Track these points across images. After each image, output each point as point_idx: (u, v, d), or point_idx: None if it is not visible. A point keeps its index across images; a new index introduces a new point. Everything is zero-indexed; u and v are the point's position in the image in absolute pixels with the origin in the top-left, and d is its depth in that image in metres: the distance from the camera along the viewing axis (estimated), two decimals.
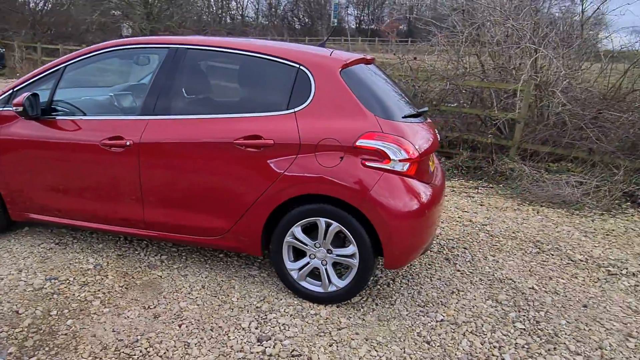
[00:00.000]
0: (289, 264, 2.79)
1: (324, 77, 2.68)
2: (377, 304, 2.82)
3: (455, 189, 5.40)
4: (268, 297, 2.80)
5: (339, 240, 2.70)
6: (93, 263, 3.10)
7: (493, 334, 2.59)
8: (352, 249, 2.64)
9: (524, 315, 2.79)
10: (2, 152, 3.11)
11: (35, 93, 2.95)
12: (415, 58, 7.83)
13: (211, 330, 2.46)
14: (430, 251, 3.62)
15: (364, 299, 2.86)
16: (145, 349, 2.29)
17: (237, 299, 2.77)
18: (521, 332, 2.62)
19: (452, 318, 2.71)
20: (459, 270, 3.33)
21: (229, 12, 53.88)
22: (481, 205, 4.84)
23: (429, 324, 2.64)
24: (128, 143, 2.82)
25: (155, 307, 2.64)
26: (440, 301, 2.89)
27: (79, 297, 2.70)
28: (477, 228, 4.17)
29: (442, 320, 2.69)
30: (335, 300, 2.76)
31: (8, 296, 2.67)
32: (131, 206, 2.95)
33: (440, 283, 3.13)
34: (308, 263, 2.76)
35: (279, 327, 2.52)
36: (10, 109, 3.02)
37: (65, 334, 2.37)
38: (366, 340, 2.46)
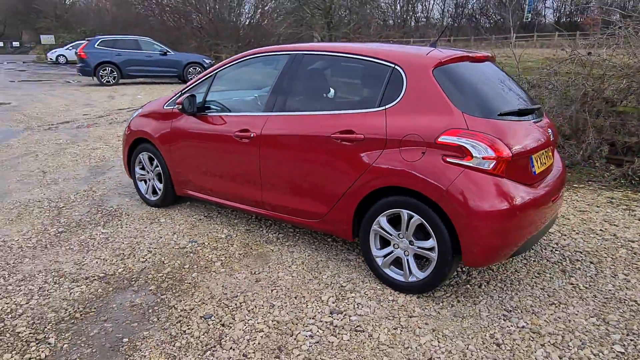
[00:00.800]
0: (375, 251, 2.98)
1: (415, 75, 2.79)
2: (459, 301, 2.81)
3: (613, 201, 4.74)
4: (355, 280, 3.04)
5: (422, 233, 2.78)
6: (226, 233, 3.77)
7: (580, 350, 2.37)
8: (431, 242, 2.71)
9: (632, 340, 2.46)
10: (172, 142, 4.00)
11: (193, 94, 3.73)
12: (589, 53, 6.95)
13: (295, 298, 2.82)
14: (547, 260, 3.36)
15: (448, 294, 2.88)
16: (240, 303, 2.77)
17: (327, 277, 3.08)
18: (617, 356, 2.33)
19: (536, 327, 2.55)
20: (572, 284, 3.04)
21: (414, 14, 54.22)
22: (639, 221, 4.18)
23: (507, 329, 2.55)
24: (252, 135, 3.37)
25: (259, 273, 3.13)
26: (532, 310, 2.73)
27: (206, 257, 3.35)
28: (619, 244, 3.67)
29: (523, 327, 2.56)
30: (414, 290, 2.85)
31: (161, 250, 3.48)
32: (255, 189, 3.51)
33: (541, 293, 2.92)
34: (392, 252, 2.91)
35: (354, 305, 2.74)
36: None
37: (189, 283, 3.01)
38: (432, 330, 2.52)
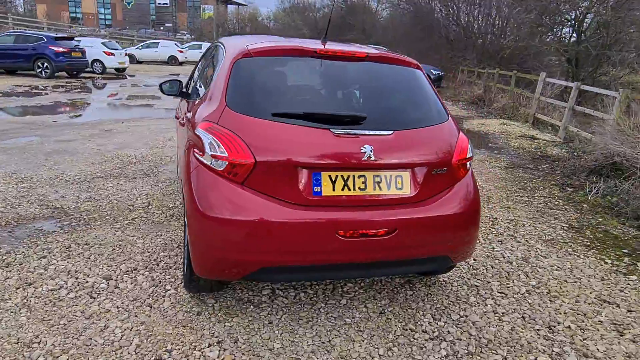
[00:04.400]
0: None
1: (222, 65, 2.69)
2: (210, 315, 2.59)
3: None
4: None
5: None
6: None
7: None
8: None
9: None
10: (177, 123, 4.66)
11: (179, 80, 4.28)
12: None
13: (118, 262, 3.12)
14: (440, 329, 2.57)
15: (219, 305, 2.67)
16: (84, 251, 3.25)
17: (174, 262, 3.21)
18: None
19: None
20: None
21: None
22: None
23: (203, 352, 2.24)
24: (184, 119, 3.72)
25: (144, 240, 3.50)
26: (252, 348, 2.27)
27: (136, 219, 3.90)
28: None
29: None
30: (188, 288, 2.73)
31: (119, 204, 4.21)
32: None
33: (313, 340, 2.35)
34: None
35: (131, 282, 2.88)
36: None
37: (88, 227, 3.65)
38: (141, 323, 2.46)
